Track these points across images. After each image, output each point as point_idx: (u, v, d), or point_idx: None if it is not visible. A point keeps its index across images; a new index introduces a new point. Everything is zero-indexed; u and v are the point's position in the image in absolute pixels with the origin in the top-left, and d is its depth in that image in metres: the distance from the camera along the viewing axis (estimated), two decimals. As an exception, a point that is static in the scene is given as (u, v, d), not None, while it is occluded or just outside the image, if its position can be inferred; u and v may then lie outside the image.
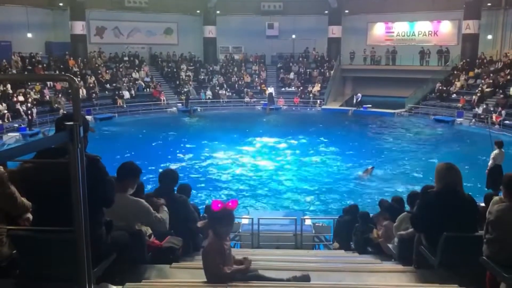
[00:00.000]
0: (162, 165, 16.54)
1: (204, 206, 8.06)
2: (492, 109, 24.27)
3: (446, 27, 32.95)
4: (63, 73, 27.38)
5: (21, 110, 22.96)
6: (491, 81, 26.61)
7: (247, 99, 32.06)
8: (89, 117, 24.99)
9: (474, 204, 4.09)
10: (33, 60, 27.83)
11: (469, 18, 29.43)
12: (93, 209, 2.36)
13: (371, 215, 7.51)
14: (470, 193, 4.14)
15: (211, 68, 34.74)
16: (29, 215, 3.07)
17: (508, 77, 26.26)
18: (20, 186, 2.93)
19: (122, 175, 3.81)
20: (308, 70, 34.66)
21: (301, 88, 33.02)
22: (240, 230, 9.31)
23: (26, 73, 26.06)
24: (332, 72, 33.48)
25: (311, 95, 32.19)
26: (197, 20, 35.24)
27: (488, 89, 26.12)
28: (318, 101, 31.49)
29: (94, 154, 2.81)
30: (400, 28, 34.46)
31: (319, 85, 32.71)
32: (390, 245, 5.57)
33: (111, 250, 3.12)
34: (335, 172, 16.74)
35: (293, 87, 33.38)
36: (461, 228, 3.85)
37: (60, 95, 25.84)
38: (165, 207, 4.23)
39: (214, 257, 3.48)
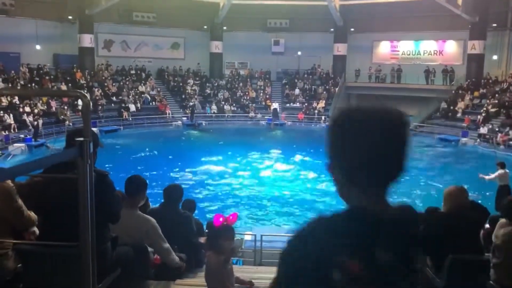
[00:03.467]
0: (166, 178, 16.55)
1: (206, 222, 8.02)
2: (497, 129, 24.22)
3: (451, 47, 33.09)
4: (70, 85, 27.80)
5: (28, 121, 23.10)
6: (496, 101, 26.61)
7: (251, 114, 32.17)
8: (94, 129, 25.10)
9: (479, 227, 4.07)
10: (41, 71, 28.10)
11: (475, 39, 29.57)
12: (99, 224, 2.37)
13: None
14: (485, 207, 4.04)
15: (216, 83, 34.94)
16: (35, 229, 3.07)
17: (514, 97, 26.29)
18: (28, 200, 2.94)
19: (132, 190, 3.80)
20: (313, 86, 34.79)
21: (306, 104, 33.12)
22: (242, 247, 9.25)
23: (35, 86, 26.39)
24: (337, 89, 33.59)
25: (315, 111, 32.26)
26: (204, 36, 35.58)
27: (493, 109, 26.11)
28: (323, 117, 31.55)
29: (102, 169, 2.82)
30: (405, 47, 34.64)
31: (324, 101, 32.80)
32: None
33: (116, 266, 3.11)
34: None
35: (297, 103, 33.48)
36: (468, 251, 3.82)
37: (66, 107, 26.01)
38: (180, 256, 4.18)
39: (215, 274, 3.48)
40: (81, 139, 2.06)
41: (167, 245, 3.92)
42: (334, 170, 1.27)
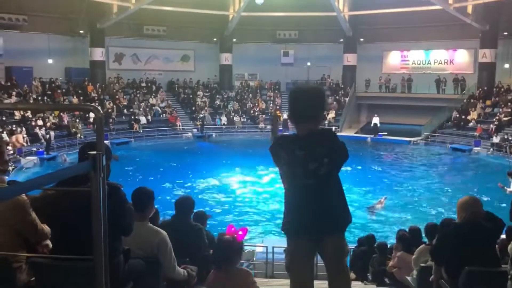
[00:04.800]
0: (177, 190, 16.60)
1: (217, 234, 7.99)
2: (510, 138, 23.95)
3: (462, 56, 32.95)
4: (81, 98, 28.08)
5: (39, 134, 23.34)
6: (509, 110, 26.36)
7: (261, 125, 32.20)
8: (106, 142, 25.26)
9: (495, 237, 4.00)
10: (53, 85, 28.45)
11: (485, 47, 29.41)
12: (112, 237, 2.36)
13: (389, 245, 7.38)
14: (501, 218, 3.97)
15: (226, 95, 35.08)
16: (49, 242, 3.08)
17: (526, 106, 26.04)
18: (41, 213, 2.95)
19: (142, 203, 3.79)
20: (323, 97, 34.71)
21: (316, 115, 33.02)
22: (254, 259, 9.21)
23: (47, 99, 26.71)
24: (347, 99, 33.53)
25: (326, 122, 32.19)
26: (213, 48, 35.84)
27: (506, 118, 25.85)
28: (333, 127, 31.43)
29: (115, 182, 2.83)
30: (416, 56, 34.55)
31: (334, 112, 32.74)
32: (409, 278, 5.45)
33: (128, 279, 3.10)
34: (352, 200, 16.52)
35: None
36: (484, 262, 3.76)
37: (78, 120, 26.26)
38: (187, 272, 4.16)
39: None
40: (94, 152, 2.07)
41: (173, 260, 3.90)
42: (290, 118, 2.85)
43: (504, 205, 12.67)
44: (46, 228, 3.02)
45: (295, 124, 2.76)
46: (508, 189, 11.85)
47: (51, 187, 2.64)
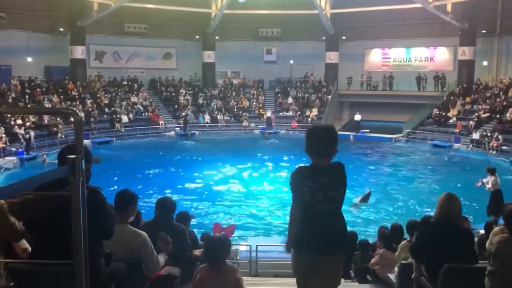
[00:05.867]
0: (159, 190, 16.48)
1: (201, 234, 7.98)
2: (489, 134, 24.39)
3: (442, 53, 33.40)
4: (61, 97, 27.69)
5: (19, 133, 22.94)
6: (487, 106, 26.84)
7: (245, 123, 32.19)
8: (86, 141, 24.99)
9: (471, 235, 4.09)
10: (32, 84, 27.99)
11: (465, 45, 29.91)
12: (92, 241, 2.35)
13: (371, 242, 7.46)
14: (470, 220, 4.12)
15: (209, 93, 34.97)
16: (28, 247, 3.04)
17: (504, 102, 26.53)
18: (20, 217, 2.91)
19: (122, 205, 3.78)
20: (306, 95, 34.92)
21: (299, 112, 33.19)
22: (238, 257, 9.21)
23: (27, 98, 26.25)
24: (329, 97, 33.73)
25: (309, 120, 32.34)
26: (196, 45, 35.68)
27: (485, 115, 26.32)
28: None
29: (95, 185, 2.81)
30: (397, 54, 34.91)
31: (317, 109, 32.90)
32: (390, 275, 5.52)
33: (110, 282, 3.08)
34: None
35: (291, 112, 33.55)
36: (462, 259, 3.83)
37: (58, 119, 25.88)
38: (166, 255, 4.18)
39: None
40: (73, 156, 2.05)
41: (156, 258, 3.91)
42: (307, 151, 3.22)
43: (479, 199, 12.93)
44: (21, 227, 2.97)
45: (315, 157, 3.23)
46: (487, 185, 12.04)
47: (30, 192, 2.61)
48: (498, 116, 25.61)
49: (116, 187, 15.00)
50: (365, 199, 15.60)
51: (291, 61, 36.11)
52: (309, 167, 3.23)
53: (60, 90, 28.85)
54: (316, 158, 3.22)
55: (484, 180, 12.07)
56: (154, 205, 5.13)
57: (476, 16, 29.24)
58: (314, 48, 35.29)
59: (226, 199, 16.44)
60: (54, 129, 24.93)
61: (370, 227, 12.86)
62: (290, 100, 34.52)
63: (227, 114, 33.08)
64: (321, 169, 3.19)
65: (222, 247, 3.71)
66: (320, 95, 34.34)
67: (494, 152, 22.81)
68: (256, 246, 8.92)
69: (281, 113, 33.79)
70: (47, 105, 26.22)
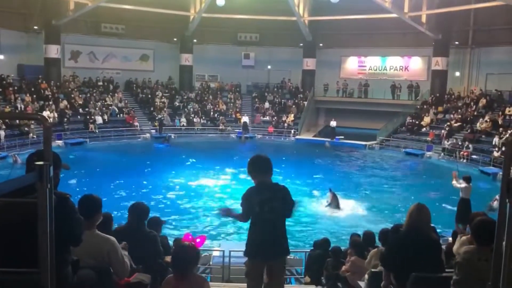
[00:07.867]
0: (132, 194, 16.28)
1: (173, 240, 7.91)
2: (460, 143, 24.97)
3: (416, 63, 34.10)
4: (34, 96, 27.12)
5: (-11, 133, 22.37)
6: (459, 116, 27.49)
7: (221, 127, 32.13)
8: (59, 142, 24.54)
9: (439, 244, 4.19)
10: (4, 82, 27.33)
11: (438, 55, 30.64)
12: (60, 248, 2.31)
13: (343, 249, 7.53)
14: (438, 230, 4.24)
15: (186, 96, 34.79)
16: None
17: (475, 113, 27.22)
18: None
19: (89, 211, 3.70)
20: (282, 100, 35.10)
21: (276, 117, 33.33)
22: (211, 263, 9.17)
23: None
24: (306, 103, 34.00)
25: (285, 125, 32.51)
26: (174, 48, 35.48)
27: (456, 124, 26.94)
28: (292, 130, 31.80)
29: (63, 192, 2.76)
30: (372, 62, 35.47)
31: (293, 115, 33.11)
32: (361, 283, 5.59)
33: (77, 290, 3.02)
34: (306, 203, 16.66)
35: (267, 117, 33.65)
36: (429, 268, 3.91)
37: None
38: (126, 252, 4.12)
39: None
40: (41, 162, 2.02)
41: (126, 264, 3.86)
42: (251, 174, 4.17)
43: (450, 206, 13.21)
44: None
45: (259, 177, 4.12)
46: (458, 185, 12.19)
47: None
48: (469, 125, 26.24)
49: (86, 188, 14.79)
50: (335, 202, 15.49)
51: (269, 66, 36.31)
52: (255, 185, 4.11)
53: (33, 89, 28.25)
54: (259, 176, 4.11)
55: (458, 185, 12.25)
56: (125, 209, 5.07)
57: (449, 27, 30.01)
58: (292, 54, 35.56)
59: (199, 204, 16.31)
60: (26, 128, 24.38)
61: (343, 232, 12.98)
62: (267, 105, 34.63)
63: (203, 118, 32.96)
64: (264, 185, 4.06)
65: (189, 255, 3.67)
66: (296, 101, 34.58)
67: (465, 160, 23.37)
68: (229, 251, 8.91)
69: (262, 118, 33.54)
70: (19, 104, 25.66)
